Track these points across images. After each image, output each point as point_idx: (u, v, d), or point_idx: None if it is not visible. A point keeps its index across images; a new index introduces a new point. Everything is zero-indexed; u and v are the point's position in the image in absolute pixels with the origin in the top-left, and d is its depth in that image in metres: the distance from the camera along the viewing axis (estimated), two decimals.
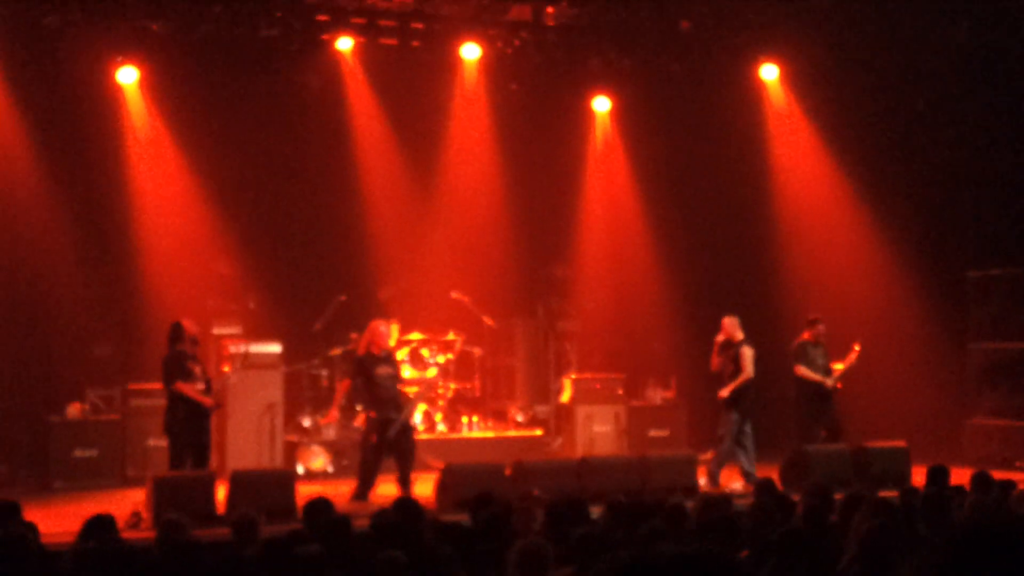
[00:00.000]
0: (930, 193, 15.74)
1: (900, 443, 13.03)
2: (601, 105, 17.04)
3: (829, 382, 13.20)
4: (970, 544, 1.81)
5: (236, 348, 13.84)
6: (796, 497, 8.52)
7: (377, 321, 12.48)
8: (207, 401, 11.37)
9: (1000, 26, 14.43)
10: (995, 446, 14.56)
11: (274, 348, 14.15)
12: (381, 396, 12.04)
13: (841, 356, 13.35)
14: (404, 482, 11.87)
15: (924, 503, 7.42)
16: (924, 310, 15.30)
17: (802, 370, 13.28)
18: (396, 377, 12.34)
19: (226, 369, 13.82)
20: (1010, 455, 14.22)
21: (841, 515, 7.42)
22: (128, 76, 14.62)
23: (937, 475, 9.32)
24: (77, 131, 14.64)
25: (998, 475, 9.47)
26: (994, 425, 14.80)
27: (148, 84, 14.76)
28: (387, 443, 11.94)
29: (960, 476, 10.98)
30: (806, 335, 13.42)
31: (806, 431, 13.18)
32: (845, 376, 13.38)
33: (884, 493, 9.99)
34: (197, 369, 11.45)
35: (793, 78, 16.22)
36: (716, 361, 12.91)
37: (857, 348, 13.37)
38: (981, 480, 8.95)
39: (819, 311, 14.06)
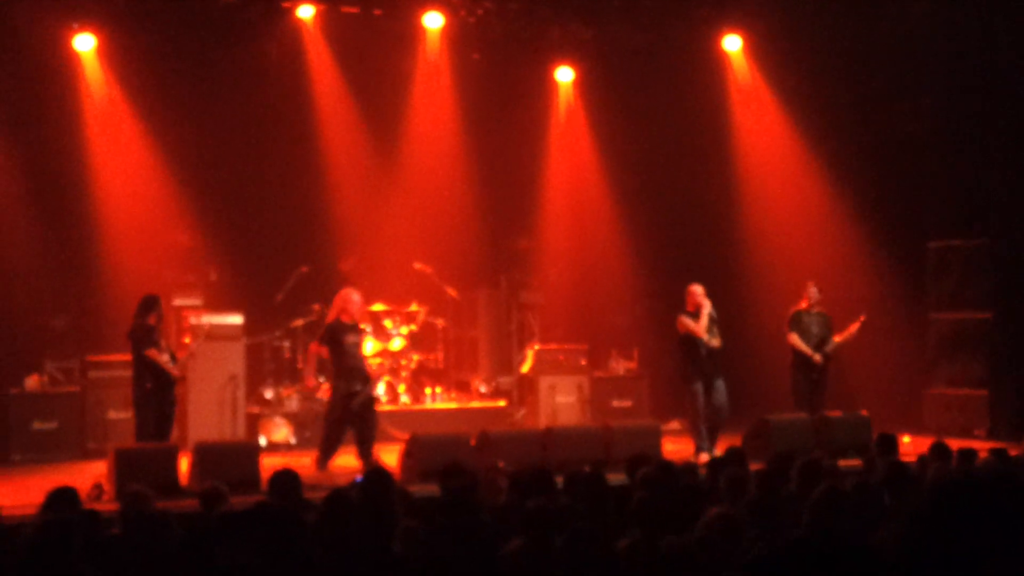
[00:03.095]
0: (891, 164, 15.82)
1: (862, 412, 13.16)
2: (564, 75, 16.98)
3: (817, 357, 13.14)
4: (939, 506, 1.81)
5: (198, 320, 13.71)
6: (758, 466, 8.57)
7: (349, 289, 12.36)
8: (174, 371, 11.44)
9: None
10: (954, 415, 14.72)
11: (235, 319, 14.03)
12: (348, 365, 11.93)
13: (844, 326, 13.35)
14: (365, 455, 11.81)
15: (886, 472, 7.46)
16: (885, 281, 15.41)
17: (793, 339, 13.29)
18: (361, 347, 12.28)
19: (187, 341, 13.70)
20: (969, 424, 14.39)
21: (798, 484, 7.48)
22: (85, 43, 14.41)
23: (886, 443, 9.33)
24: (33, 100, 14.44)
25: (958, 443, 9.58)
26: (953, 394, 14.94)
27: (105, 52, 14.56)
28: (350, 414, 11.88)
29: (921, 445, 11.12)
30: (801, 303, 13.44)
31: (797, 400, 13.26)
32: (843, 347, 13.42)
33: (845, 462, 10.13)
34: (163, 342, 11.56)
35: (756, 49, 16.23)
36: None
37: (861, 319, 13.32)
38: (939, 450, 9.04)
39: (781, 281, 14.16)
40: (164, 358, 11.37)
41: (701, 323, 12.60)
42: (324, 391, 14.42)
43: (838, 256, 15.72)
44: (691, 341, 12.65)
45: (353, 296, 12.14)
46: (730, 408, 12.76)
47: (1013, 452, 9.57)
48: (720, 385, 12.67)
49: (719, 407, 12.62)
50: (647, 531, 5.70)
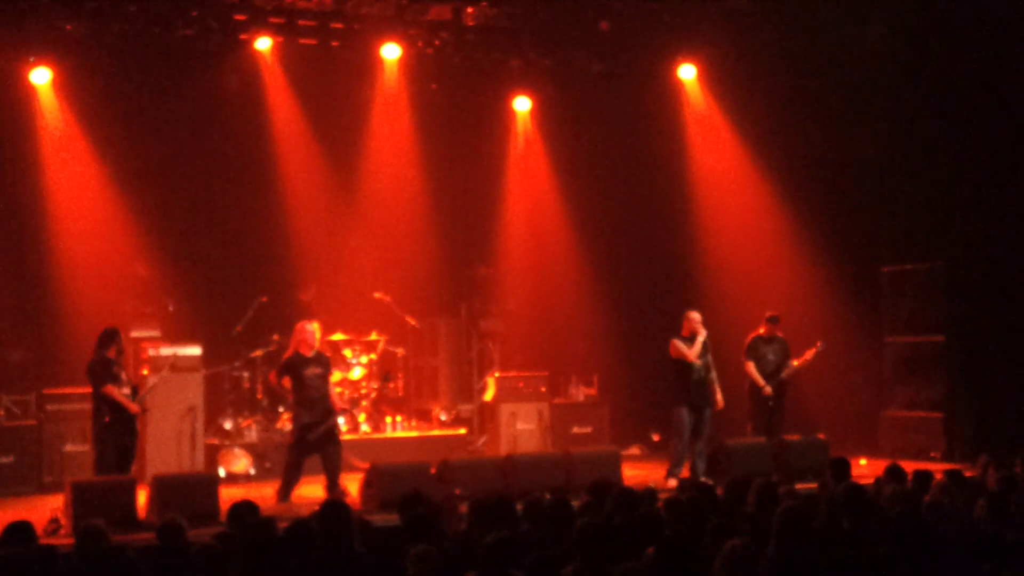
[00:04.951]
0: (845, 190, 15.99)
1: (819, 436, 13.28)
2: (522, 105, 17.10)
3: (767, 389, 13.23)
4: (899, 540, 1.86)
5: (158, 352, 13.62)
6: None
7: (303, 322, 12.38)
8: (133, 407, 11.33)
9: (914, 24, 14.70)
10: (910, 437, 14.87)
11: (194, 351, 13.95)
12: (310, 396, 11.95)
13: (801, 352, 13.49)
14: (332, 487, 11.80)
15: (844, 496, 7.52)
16: (840, 305, 15.54)
17: (748, 368, 13.37)
18: (325, 378, 12.25)
19: (145, 373, 13.62)
20: (925, 446, 14.54)
21: (755, 507, 7.56)
22: (41, 77, 14.37)
23: (839, 468, 9.37)
24: None
25: (913, 465, 9.69)
26: (909, 417, 15.10)
27: (62, 85, 14.51)
28: (312, 444, 11.89)
29: (877, 467, 11.23)
30: (760, 330, 13.54)
31: (755, 425, 13.35)
32: (799, 372, 13.54)
33: (803, 485, 10.20)
34: (123, 375, 11.45)
35: (710, 78, 16.41)
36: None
37: (818, 346, 13.47)
38: (894, 472, 9.13)
39: (737, 306, 14.27)
40: (124, 392, 11.30)
41: (694, 349, 12.68)
42: (284, 421, 14.39)
43: (793, 281, 15.86)
44: (683, 366, 12.74)
45: (308, 327, 12.17)
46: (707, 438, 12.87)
47: (968, 474, 9.69)
48: (706, 415, 12.77)
49: (701, 435, 12.74)
50: (591, 559, 5.72)
